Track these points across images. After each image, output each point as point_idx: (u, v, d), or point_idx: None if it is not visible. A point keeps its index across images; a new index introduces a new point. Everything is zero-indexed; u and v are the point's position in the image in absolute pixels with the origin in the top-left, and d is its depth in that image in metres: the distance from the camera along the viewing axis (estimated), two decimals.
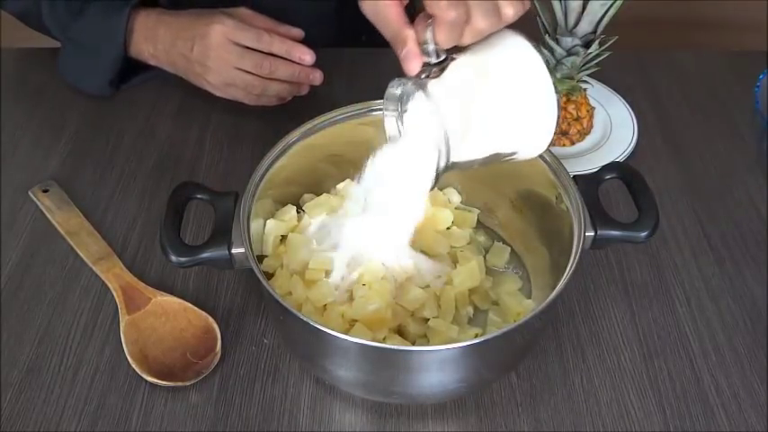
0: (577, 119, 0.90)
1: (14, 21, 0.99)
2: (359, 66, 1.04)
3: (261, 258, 0.70)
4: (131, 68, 0.94)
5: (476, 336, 0.66)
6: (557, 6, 0.82)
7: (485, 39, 0.59)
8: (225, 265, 0.64)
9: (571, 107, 0.90)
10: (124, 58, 0.91)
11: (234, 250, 0.63)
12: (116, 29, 0.89)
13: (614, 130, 0.93)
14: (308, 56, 0.86)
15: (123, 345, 0.69)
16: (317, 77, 0.88)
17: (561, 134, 0.90)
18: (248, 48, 0.85)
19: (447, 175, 0.78)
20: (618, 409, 0.67)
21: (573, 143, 0.91)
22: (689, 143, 0.93)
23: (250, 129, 0.92)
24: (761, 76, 0.95)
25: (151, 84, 0.97)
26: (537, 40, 0.85)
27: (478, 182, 0.77)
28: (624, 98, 0.97)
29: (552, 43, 0.84)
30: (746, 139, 0.94)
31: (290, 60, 0.87)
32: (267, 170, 0.69)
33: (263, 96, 0.89)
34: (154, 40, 0.89)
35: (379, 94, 0.75)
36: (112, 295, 0.74)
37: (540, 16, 0.84)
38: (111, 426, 0.65)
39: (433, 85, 0.58)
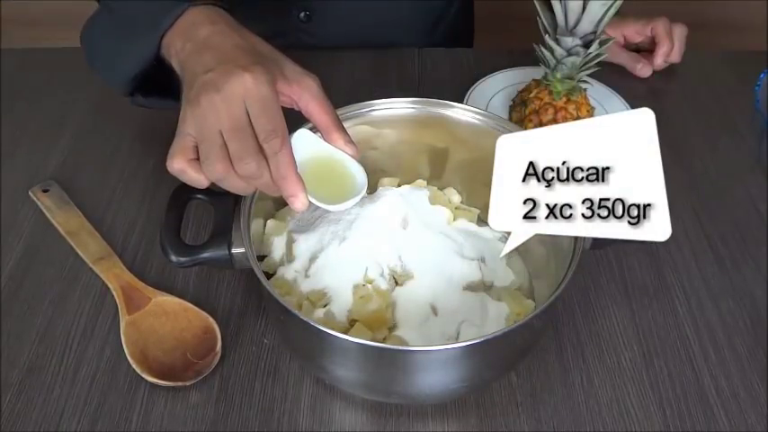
0: (577, 119, 0.90)
1: (14, 21, 0.98)
2: (359, 66, 1.04)
3: (261, 258, 0.70)
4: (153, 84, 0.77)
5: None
6: (557, 6, 0.82)
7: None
8: (225, 265, 0.64)
9: (571, 107, 0.90)
10: (157, 52, 0.71)
11: (234, 250, 0.63)
12: (167, 13, 0.69)
13: None
14: (299, 204, 0.62)
15: (123, 345, 0.69)
16: (297, 208, 0.63)
17: None
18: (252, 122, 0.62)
19: (447, 175, 0.79)
20: (618, 409, 0.67)
21: None
22: (689, 143, 0.93)
23: None
24: (761, 76, 0.95)
25: None
26: (537, 40, 0.86)
27: (479, 182, 0.77)
28: (624, 98, 0.97)
29: (552, 43, 0.84)
30: (746, 139, 0.94)
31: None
32: None
33: (209, 174, 0.62)
34: (191, 37, 0.68)
35: (379, 93, 0.75)
36: (112, 295, 0.74)
37: (540, 16, 0.84)
38: (111, 426, 0.65)
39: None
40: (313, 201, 0.62)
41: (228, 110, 0.61)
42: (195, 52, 0.66)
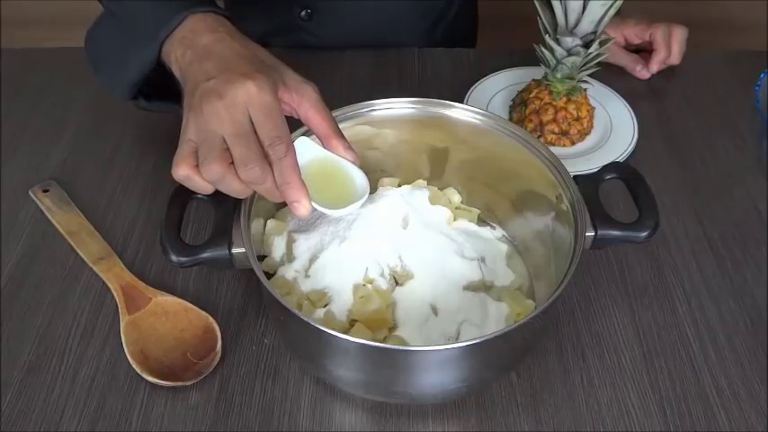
0: (578, 119, 0.90)
1: (14, 21, 0.98)
2: (359, 66, 1.04)
3: (261, 258, 0.70)
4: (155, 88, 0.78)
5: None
6: (557, 6, 0.82)
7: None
8: (225, 264, 0.64)
9: (571, 107, 0.90)
10: (157, 58, 0.71)
11: (234, 250, 0.63)
12: (166, 21, 0.69)
13: (614, 130, 0.93)
14: (302, 210, 0.61)
15: (123, 345, 0.69)
16: (301, 213, 0.62)
17: (561, 134, 0.90)
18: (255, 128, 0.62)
19: (447, 175, 0.78)
20: (618, 409, 0.67)
21: (573, 143, 0.91)
22: (689, 143, 0.93)
23: None
24: (761, 76, 0.95)
25: None
26: (538, 40, 0.86)
27: (479, 182, 0.77)
28: (624, 98, 0.97)
29: (553, 43, 0.84)
30: (746, 139, 0.94)
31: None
32: None
33: (206, 174, 0.61)
34: (191, 45, 0.68)
35: (379, 93, 0.75)
36: (112, 295, 0.74)
37: (540, 16, 0.85)
38: (111, 426, 0.65)
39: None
40: (316, 206, 0.62)
41: (232, 116, 0.60)
42: (196, 60, 0.66)
